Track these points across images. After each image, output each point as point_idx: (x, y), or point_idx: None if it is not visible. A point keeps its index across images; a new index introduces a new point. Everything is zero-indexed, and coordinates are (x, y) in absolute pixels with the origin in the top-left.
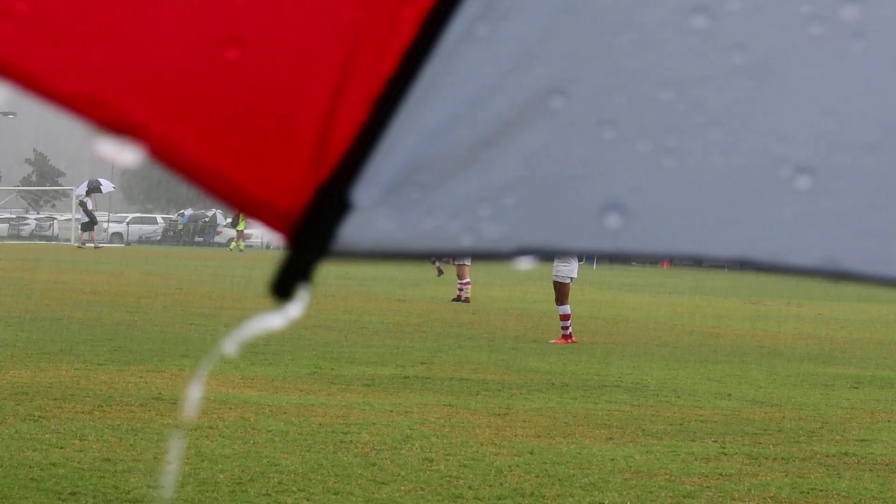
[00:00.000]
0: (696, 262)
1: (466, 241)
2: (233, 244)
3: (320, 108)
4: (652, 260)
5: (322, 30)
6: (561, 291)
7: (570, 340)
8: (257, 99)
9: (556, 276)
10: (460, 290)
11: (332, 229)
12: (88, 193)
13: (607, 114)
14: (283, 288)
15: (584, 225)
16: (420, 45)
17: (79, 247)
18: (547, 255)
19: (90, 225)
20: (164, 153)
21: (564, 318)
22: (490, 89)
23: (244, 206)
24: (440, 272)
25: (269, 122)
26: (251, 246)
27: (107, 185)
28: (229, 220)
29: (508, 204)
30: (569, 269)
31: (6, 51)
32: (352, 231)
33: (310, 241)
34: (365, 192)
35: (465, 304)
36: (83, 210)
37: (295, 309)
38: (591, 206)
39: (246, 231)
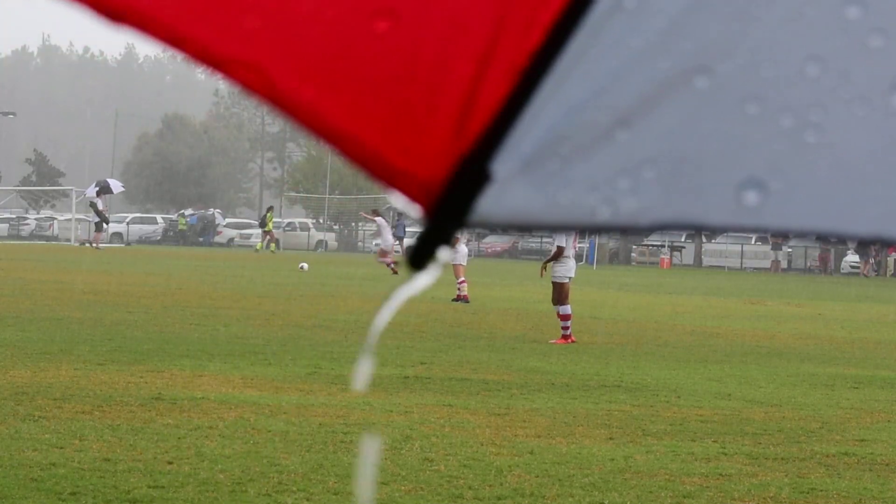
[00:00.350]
0: (832, 239)
1: (604, 215)
2: (263, 245)
3: (466, 80)
4: (789, 236)
5: (472, 2)
6: (561, 292)
7: (569, 340)
8: (404, 70)
9: (554, 276)
10: (459, 289)
11: (471, 201)
12: (99, 194)
13: (752, 89)
14: (420, 258)
15: (722, 200)
16: (568, 17)
17: (80, 245)
18: (683, 229)
19: (101, 225)
20: (310, 120)
21: (565, 318)
22: (635, 63)
23: (385, 175)
24: (394, 272)
25: (414, 93)
26: (251, 246)
27: (116, 186)
28: (226, 221)
29: (648, 178)
30: (566, 270)
31: (165, 13)
32: (490, 202)
33: (448, 213)
34: (505, 163)
35: (464, 303)
36: (94, 210)
37: (428, 278)
38: (730, 181)
39: (243, 233)
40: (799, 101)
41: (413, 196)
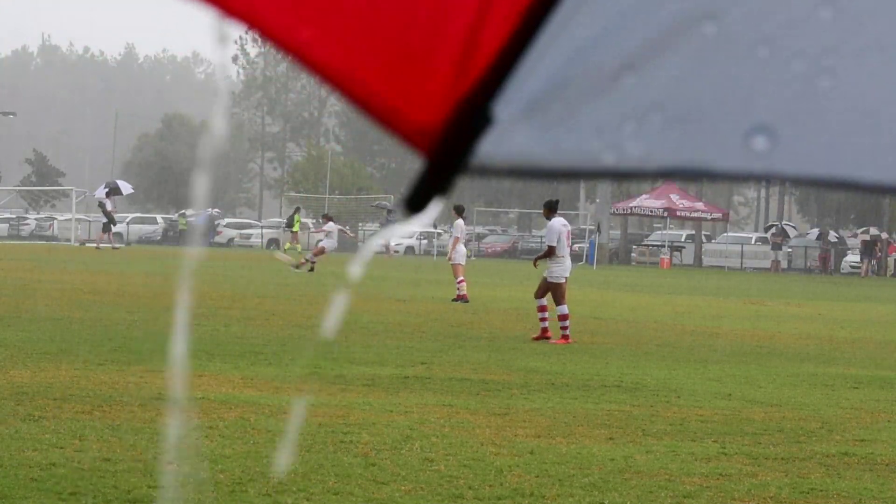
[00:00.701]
0: (841, 186)
1: (608, 160)
2: (291, 245)
3: (468, 19)
4: (798, 183)
5: None
6: (557, 291)
7: (568, 341)
8: (405, 9)
9: (551, 276)
10: (458, 289)
11: (470, 145)
12: (108, 195)
13: (763, 33)
14: (416, 202)
15: (729, 146)
16: None
17: (80, 245)
18: (689, 176)
19: (108, 226)
20: (308, 59)
21: (563, 317)
22: (643, 5)
23: (384, 117)
24: (311, 268)
25: (415, 33)
26: (251, 246)
27: (126, 188)
28: (226, 221)
29: (654, 123)
30: (563, 269)
31: None
32: (491, 146)
33: (447, 157)
34: (507, 106)
35: (464, 303)
36: (102, 211)
37: (424, 221)
38: (738, 127)
39: (243, 233)
40: (811, 45)
41: (412, 139)
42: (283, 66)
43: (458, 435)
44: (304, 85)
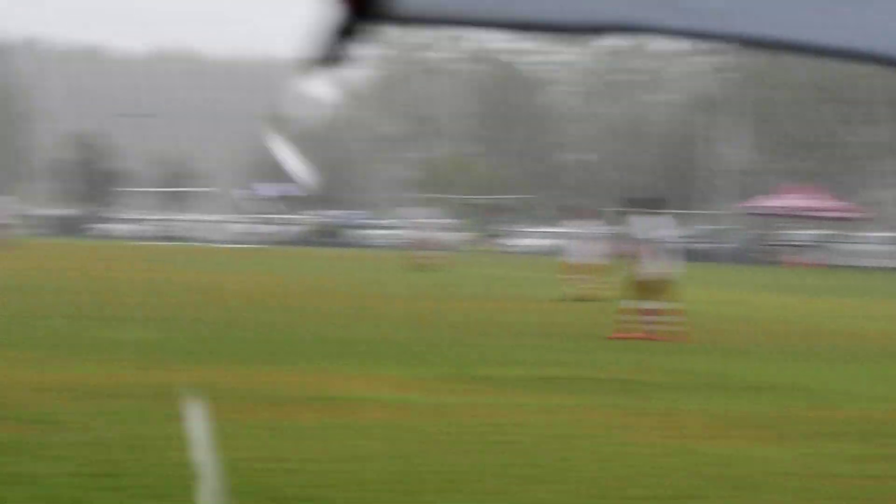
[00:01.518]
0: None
1: (528, 11)
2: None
3: None
4: (696, 37)
5: None
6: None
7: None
8: None
9: (647, 273)
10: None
11: None
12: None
13: None
14: (331, 54)
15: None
16: None
17: (228, 247)
18: (616, 30)
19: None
20: None
21: (648, 313)
22: None
23: None
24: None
25: None
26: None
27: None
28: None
29: None
30: (656, 266)
31: None
32: None
33: (365, 4)
34: None
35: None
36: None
37: (341, 73)
38: None
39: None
40: None
41: None
42: None
43: (618, 435)
44: None
